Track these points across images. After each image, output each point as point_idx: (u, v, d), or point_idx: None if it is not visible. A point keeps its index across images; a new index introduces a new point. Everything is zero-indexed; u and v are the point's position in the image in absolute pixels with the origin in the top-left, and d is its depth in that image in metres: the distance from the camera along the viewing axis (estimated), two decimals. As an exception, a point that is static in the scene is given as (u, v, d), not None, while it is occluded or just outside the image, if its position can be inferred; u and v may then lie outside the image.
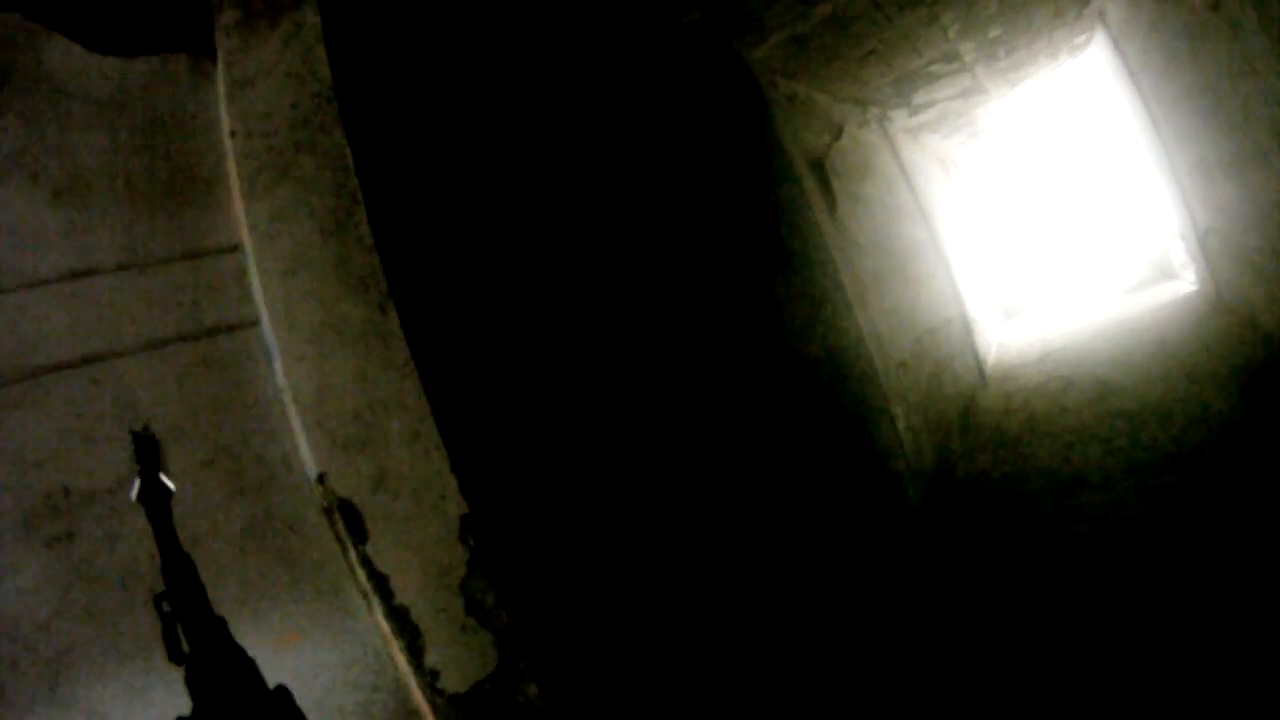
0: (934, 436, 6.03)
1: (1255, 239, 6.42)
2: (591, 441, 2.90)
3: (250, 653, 2.06)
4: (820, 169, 5.92)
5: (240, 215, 2.62)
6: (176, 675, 1.99)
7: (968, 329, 9.05)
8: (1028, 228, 17.09)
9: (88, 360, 2.21)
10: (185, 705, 1.96)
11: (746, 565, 3.37)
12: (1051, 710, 3.10)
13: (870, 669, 3.72)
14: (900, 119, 9.93)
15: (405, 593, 2.12)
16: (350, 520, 2.15)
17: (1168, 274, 12.14)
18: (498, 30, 3.73)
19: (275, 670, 2.08)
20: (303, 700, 2.07)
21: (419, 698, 2.09)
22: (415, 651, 2.09)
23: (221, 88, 2.84)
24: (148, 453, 2.12)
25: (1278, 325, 6.42)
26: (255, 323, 2.46)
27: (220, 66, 2.86)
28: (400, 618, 2.10)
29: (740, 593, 3.31)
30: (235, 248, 2.61)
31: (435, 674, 2.09)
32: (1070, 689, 3.13)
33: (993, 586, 4.15)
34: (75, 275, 2.29)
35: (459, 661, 2.12)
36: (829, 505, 4.18)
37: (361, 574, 2.12)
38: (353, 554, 2.14)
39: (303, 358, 2.33)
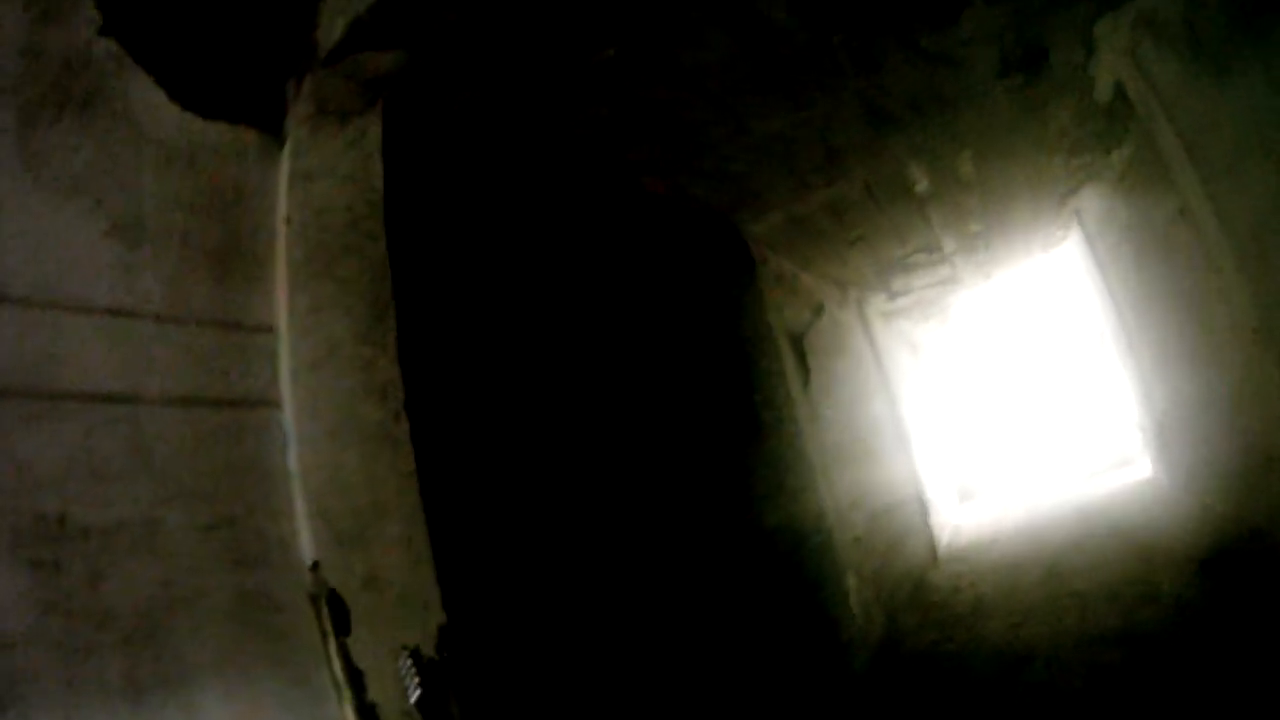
0: (884, 609, 6.21)
1: (1209, 427, 6.81)
2: (564, 573, 3.04)
3: None
4: (799, 345, 6.25)
5: (281, 300, 2.73)
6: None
7: (924, 508, 9.33)
8: (989, 411, 17.60)
9: (111, 398, 2.21)
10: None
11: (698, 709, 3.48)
12: None
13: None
14: (877, 302, 10.43)
15: (377, 691, 2.22)
16: (336, 612, 2.26)
17: (1125, 461, 12.57)
18: (524, 194, 4.02)
19: (234, 745, 2.13)
20: (254, 779, 2.13)
21: (373, 797, 2.17)
22: (376, 750, 2.18)
23: (284, 173, 2.93)
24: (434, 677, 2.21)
25: (1230, 508, 6.75)
26: (278, 405, 2.59)
27: (287, 153, 2.96)
28: (368, 715, 2.19)
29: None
30: (271, 329, 2.73)
31: (392, 774, 2.18)
32: None
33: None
34: (116, 312, 2.29)
35: (416, 765, 2.21)
36: (779, 666, 4.30)
37: (338, 665, 2.23)
38: (333, 645, 2.24)
39: (317, 449, 2.48)
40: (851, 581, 5.32)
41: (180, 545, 2.21)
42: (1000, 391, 17.75)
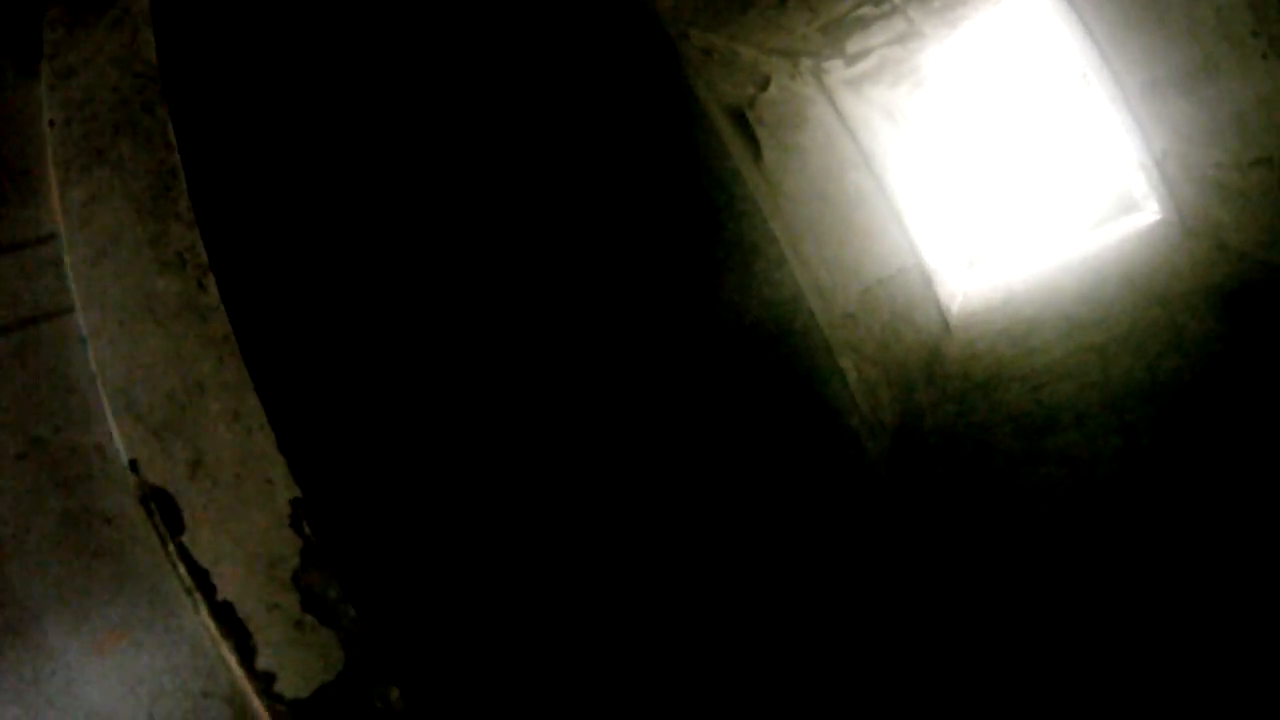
0: (894, 390, 5.83)
1: (1215, 155, 6.17)
2: (476, 411, 2.69)
3: (72, 654, 1.86)
4: (743, 121, 5.68)
5: (56, 200, 2.43)
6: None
7: (926, 278, 8.83)
8: (984, 174, 16.88)
9: None
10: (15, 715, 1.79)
11: (674, 537, 3.16)
12: (1037, 677, 2.89)
13: (832, 640, 3.53)
14: (837, 70, 9.67)
15: (230, 588, 1.90)
16: (166, 510, 1.94)
17: (1129, 207, 12.00)
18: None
19: (98, 675, 1.87)
20: (130, 708, 1.87)
21: (257, 705, 1.88)
22: (246, 653, 1.87)
23: (44, 81, 2.70)
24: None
25: (1249, 242, 6.17)
26: (70, 310, 2.26)
27: (45, 61, 2.74)
28: (226, 616, 1.88)
29: (668, 566, 3.10)
30: (53, 236, 2.41)
31: (270, 678, 1.88)
32: (1053, 652, 2.92)
33: (961, 541, 3.93)
34: None
35: (298, 664, 1.90)
36: (779, 470, 3.96)
37: (182, 568, 1.91)
38: (172, 547, 1.93)
39: (113, 340, 2.13)
40: (848, 362, 4.91)
41: (-4, 483, 1.99)
42: (992, 151, 16.94)
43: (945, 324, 8.69)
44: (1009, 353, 6.99)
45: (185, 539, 1.92)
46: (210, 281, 2.24)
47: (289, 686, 1.88)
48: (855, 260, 6.57)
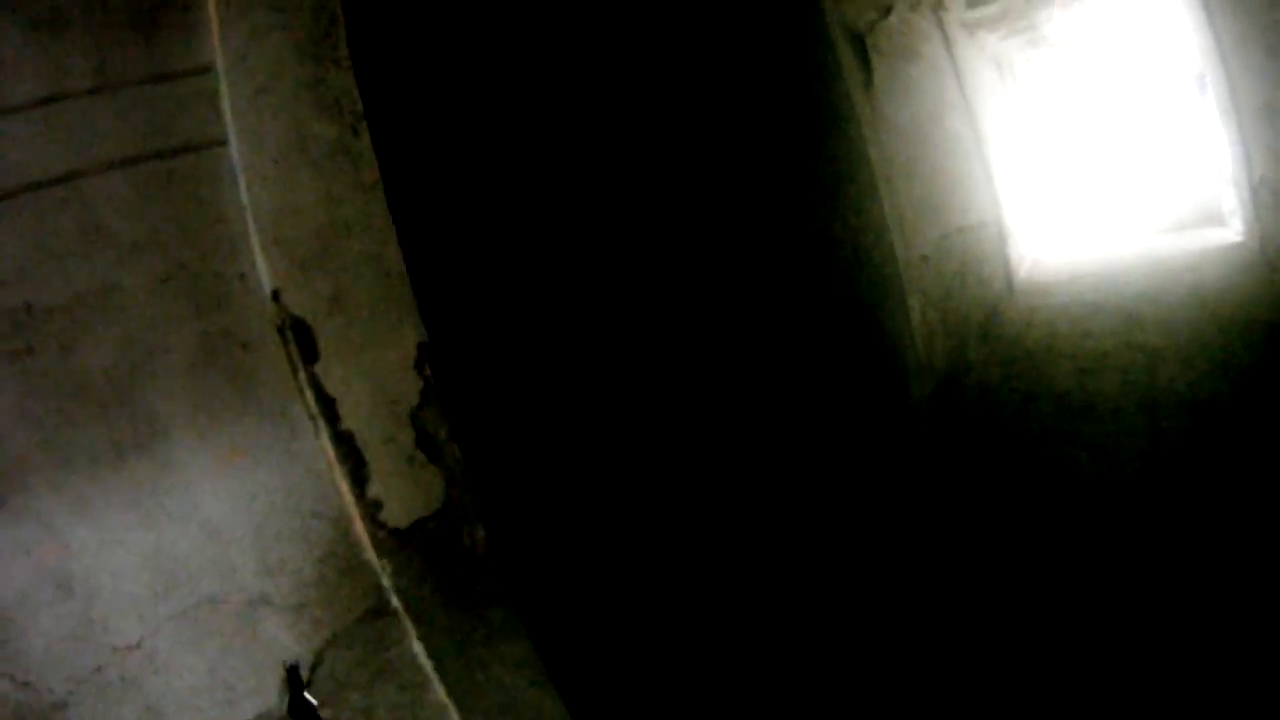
0: (949, 339, 5.87)
1: None
2: (572, 281, 2.81)
3: (194, 468, 2.02)
4: (860, 43, 5.61)
5: (215, 36, 2.50)
6: (117, 489, 1.96)
7: (1001, 236, 8.74)
8: (1077, 147, 16.45)
9: (56, 180, 2.16)
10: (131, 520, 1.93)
11: (733, 433, 3.29)
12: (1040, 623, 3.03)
13: (860, 561, 3.68)
14: (957, 9, 9.36)
15: (352, 418, 2.06)
16: (302, 339, 2.08)
17: (1213, 220, 11.64)
18: None
19: (216, 490, 2.03)
20: (242, 521, 2.03)
21: (359, 529, 2.04)
22: (358, 480, 2.04)
23: None
24: (295, 681, 2.02)
25: None
26: (224, 142, 2.37)
27: None
28: (345, 443, 2.04)
29: (723, 461, 3.23)
30: (209, 68, 2.50)
31: (377, 505, 2.04)
32: (1054, 619, 3.06)
33: (987, 495, 4.07)
34: (48, 100, 2.20)
35: (403, 495, 2.06)
36: (830, 389, 4.06)
37: (310, 395, 2.06)
38: (303, 375, 2.08)
39: (266, 176, 2.25)
40: (915, 303, 4.96)
41: (139, 302, 2.14)
42: (1091, 128, 16.46)
43: (1010, 285, 8.63)
44: (1065, 330, 7.00)
45: (318, 368, 2.07)
46: (364, 128, 2.35)
47: (392, 515, 2.04)
48: (941, 204, 6.53)
